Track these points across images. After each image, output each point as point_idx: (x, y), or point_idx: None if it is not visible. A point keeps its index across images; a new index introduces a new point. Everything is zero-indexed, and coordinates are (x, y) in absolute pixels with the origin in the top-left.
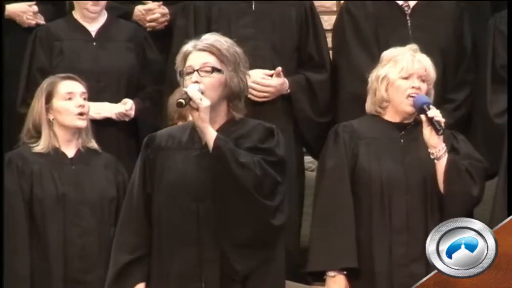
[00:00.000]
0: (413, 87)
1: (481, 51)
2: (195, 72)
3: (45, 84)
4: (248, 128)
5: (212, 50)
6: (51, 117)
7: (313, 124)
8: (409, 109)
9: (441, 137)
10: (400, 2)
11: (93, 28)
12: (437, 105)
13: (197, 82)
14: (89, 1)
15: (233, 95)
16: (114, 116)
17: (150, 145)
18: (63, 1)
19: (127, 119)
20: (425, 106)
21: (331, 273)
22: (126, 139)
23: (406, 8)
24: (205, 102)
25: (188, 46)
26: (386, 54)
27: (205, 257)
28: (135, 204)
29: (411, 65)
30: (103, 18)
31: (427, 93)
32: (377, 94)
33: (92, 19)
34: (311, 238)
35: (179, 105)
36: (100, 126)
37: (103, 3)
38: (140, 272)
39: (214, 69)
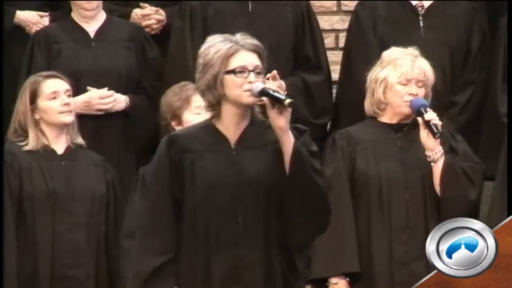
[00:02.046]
0: (410, 94)
1: (495, 51)
2: (251, 73)
3: (28, 83)
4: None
5: (260, 52)
6: (37, 117)
7: (310, 125)
8: (407, 110)
9: (438, 140)
10: (414, 2)
11: (91, 28)
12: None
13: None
14: (83, 1)
15: None
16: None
17: (173, 146)
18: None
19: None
20: (422, 109)
21: (333, 280)
22: (125, 137)
23: (420, 9)
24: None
25: (227, 44)
26: (387, 55)
27: (246, 259)
28: (162, 207)
29: (411, 71)
30: (101, 18)
31: (425, 97)
32: (375, 95)
33: (90, 18)
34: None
35: (290, 105)
36: (99, 125)
37: (98, 2)
38: (173, 275)
39: (264, 72)
